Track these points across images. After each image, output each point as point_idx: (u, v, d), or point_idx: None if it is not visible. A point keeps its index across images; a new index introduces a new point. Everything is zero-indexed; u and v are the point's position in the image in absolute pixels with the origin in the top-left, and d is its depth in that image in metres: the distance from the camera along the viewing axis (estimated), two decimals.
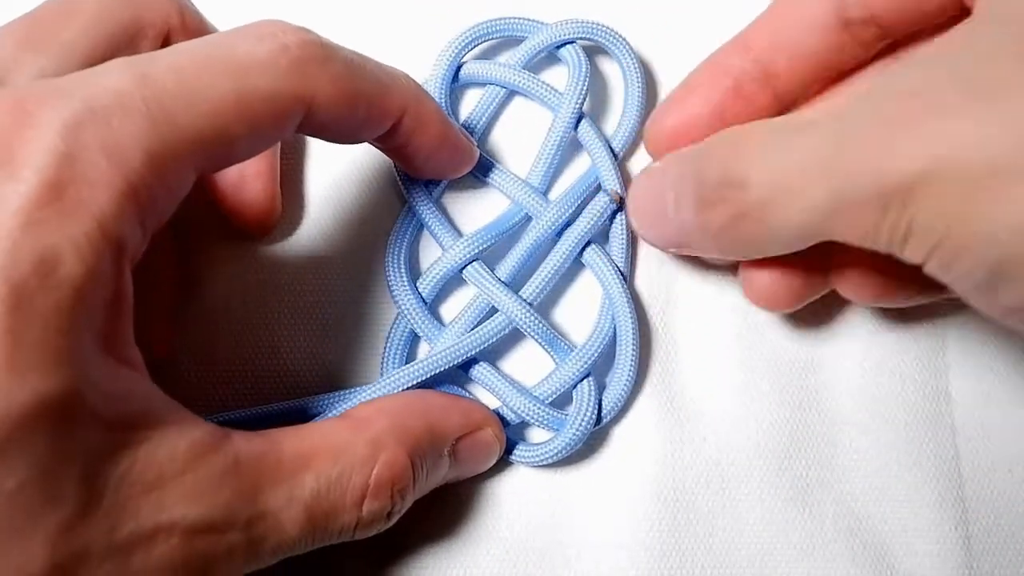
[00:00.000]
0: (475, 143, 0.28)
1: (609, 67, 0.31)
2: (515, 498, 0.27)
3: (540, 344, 0.28)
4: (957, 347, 0.28)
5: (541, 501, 0.27)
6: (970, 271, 0.19)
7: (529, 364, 0.28)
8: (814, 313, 0.28)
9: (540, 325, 0.27)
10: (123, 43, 0.24)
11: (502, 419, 0.27)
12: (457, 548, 0.27)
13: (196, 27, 0.26)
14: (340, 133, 0.23)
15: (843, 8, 0.25)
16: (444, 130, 0.26)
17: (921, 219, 0.19)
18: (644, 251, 0.29)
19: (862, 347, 0.28)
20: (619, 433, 0.28)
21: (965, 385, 0.28)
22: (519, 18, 0.30)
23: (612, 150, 0.29)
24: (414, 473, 0.23)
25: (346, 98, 0.22)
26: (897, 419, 0.27)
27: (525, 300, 0.27)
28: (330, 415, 0.26)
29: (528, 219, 0.29)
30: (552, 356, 0.28)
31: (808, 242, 0.22)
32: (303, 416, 0.26)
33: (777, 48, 0.26)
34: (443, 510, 0.27)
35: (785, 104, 0.27)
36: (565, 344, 0.28)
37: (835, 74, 0.26)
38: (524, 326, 0.27)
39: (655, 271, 0.29)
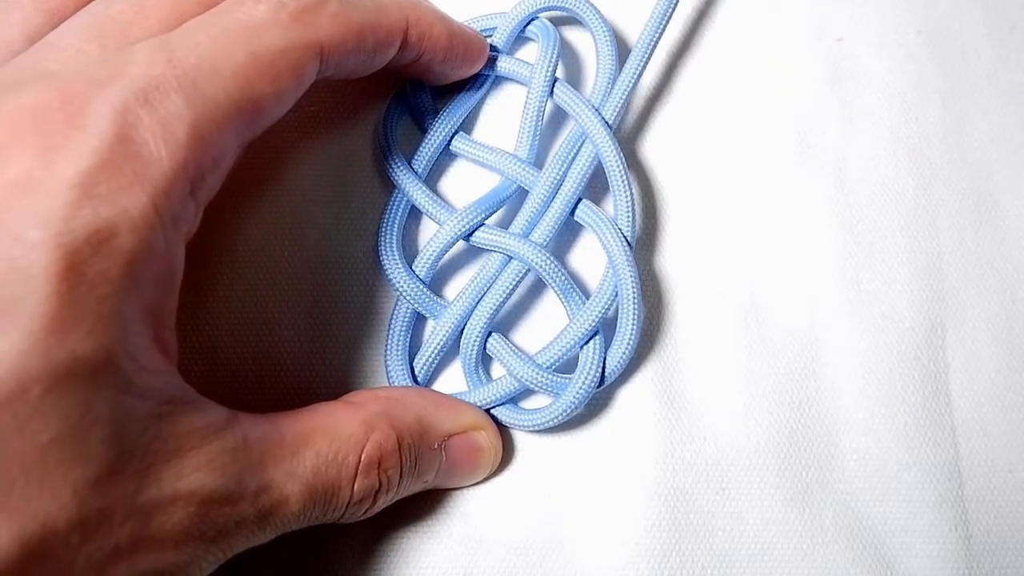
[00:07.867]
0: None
1: (579, 40, 0.31)
2: (516, 499, 0.27)
3: (556, 292, 0.27)
4: (957, 347, 0.28)
5: (541, 502, 0.27)
6: None
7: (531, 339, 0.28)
8: (815, 314, 0.28)
9: (558, 271, 0.27)
10: None
11: (497, 421, 0.27)
12: (458, 549, 0.26)
13: None
14: (358, 66, 0.24)
15: None
16: (448, 25, 0.26)
17: None
18: (642, 239, 0.29)
19: (862, 348, 0.28)
20: (619, 434, 0.27)
21: (965, 385, 0.28)
22: (485, 15, 0.29)
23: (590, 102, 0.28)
24: (401, 456, 0.24)
25: (352, 32, 0.23)
26: (897, 419, 0.27)
27: (542, 246, 0.27)
28: None
29: (520, 192, 0.28)
30: (566, 306, 0.27)
31: None
32: None
33: None
34: (444, 512, 0.26)
35: None
36: (579, 295, 0.27)
37: None
38: (543, 271, 0.26)
39: (650, 268, 0.29)
